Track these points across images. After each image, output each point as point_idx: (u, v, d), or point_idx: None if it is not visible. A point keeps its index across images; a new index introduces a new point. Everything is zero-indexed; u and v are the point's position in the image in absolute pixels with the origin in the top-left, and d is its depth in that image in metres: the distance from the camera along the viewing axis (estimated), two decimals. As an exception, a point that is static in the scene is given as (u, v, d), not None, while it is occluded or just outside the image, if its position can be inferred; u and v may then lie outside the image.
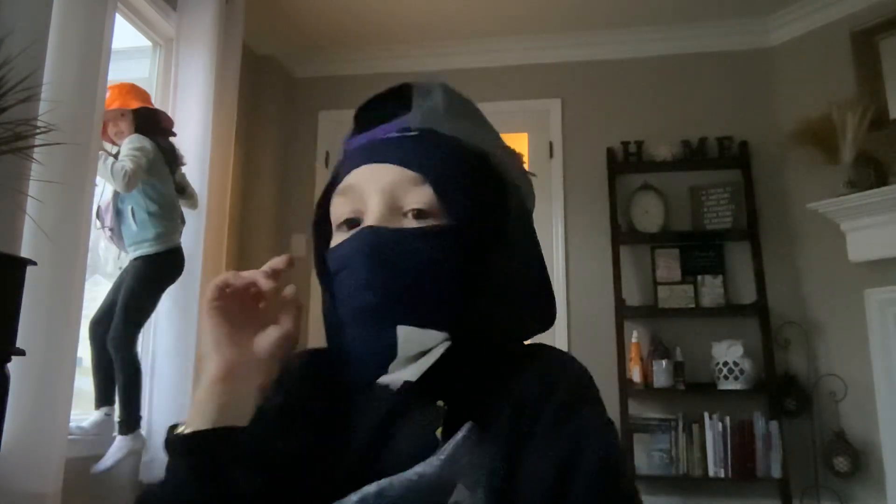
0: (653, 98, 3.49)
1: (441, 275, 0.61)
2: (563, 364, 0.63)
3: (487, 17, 3.43)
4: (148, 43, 2.95)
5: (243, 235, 3.37)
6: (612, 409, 3.04)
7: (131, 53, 2.98)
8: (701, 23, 3.43)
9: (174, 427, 0.59)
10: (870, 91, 2.98)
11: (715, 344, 3.08)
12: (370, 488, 0.56)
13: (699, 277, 3.24)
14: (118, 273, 2.45)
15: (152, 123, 2.42)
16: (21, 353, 1.51)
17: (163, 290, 2.42)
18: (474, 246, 0.63)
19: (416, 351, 0.60)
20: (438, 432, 0.58)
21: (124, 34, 2.75)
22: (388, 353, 0.60)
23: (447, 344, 0.61)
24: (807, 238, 3.18)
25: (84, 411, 2.35)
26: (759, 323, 3.10)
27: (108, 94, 2.39)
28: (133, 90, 2.44)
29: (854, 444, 2.89)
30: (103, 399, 2.31)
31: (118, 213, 2.37)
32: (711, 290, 3.21)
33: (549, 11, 3.37)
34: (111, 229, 2.39)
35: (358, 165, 0.65)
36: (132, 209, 2.35)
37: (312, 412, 0.65)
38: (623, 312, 3.19)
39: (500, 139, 0.71)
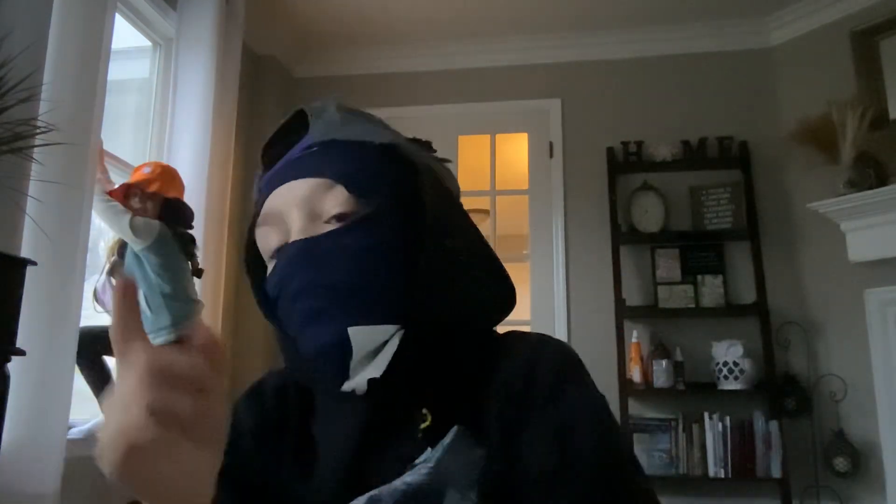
0: (653, 98, 3.48)
1: (374, 263, 0.60)
2: (540, 346, 0.62)
3: (487, 17, 3.43)
4: (148, 43, 2.95)
5: (243, 235, 3.37)
6: (613, 410, 3.03)
7: (131, 53, 2.98)
8: (701, 23, 3.43)
9: None
10: (870, 91, 2.98)
11: (715, 344, 3.08)
12: (359, 501, 0.55)
13: (699, 277, 3.24)
14: None
15: (177, 215, 2.37)
16: (21, 353, 1.51)
17: None
18: (400, 229, 0.61)
19: (372, 346, 0.58)
20: (420, 437, 0.57)
21: (124, 34, 2.75)
22: (343, 353, 0.58)
23: (401, 333, 0.59)
24: (807, 238, 3.18)
25: (84, 412, 2.35)
26: (759, 323, 3.10)
27: (149, 169, 2.34)
28: (175, 179, 2.42)
29: (854, 444, 2.89)
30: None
31: None
32: (711, 290, 3.21)
33: (549, 11, 3.37)
34: None
35: (270, 192, 0.65)
36: (145, 296, 2.21)
37: (286, 433, 0.65)
38: (623, 312, 3.19)
39: (402, 135, 0.70)
